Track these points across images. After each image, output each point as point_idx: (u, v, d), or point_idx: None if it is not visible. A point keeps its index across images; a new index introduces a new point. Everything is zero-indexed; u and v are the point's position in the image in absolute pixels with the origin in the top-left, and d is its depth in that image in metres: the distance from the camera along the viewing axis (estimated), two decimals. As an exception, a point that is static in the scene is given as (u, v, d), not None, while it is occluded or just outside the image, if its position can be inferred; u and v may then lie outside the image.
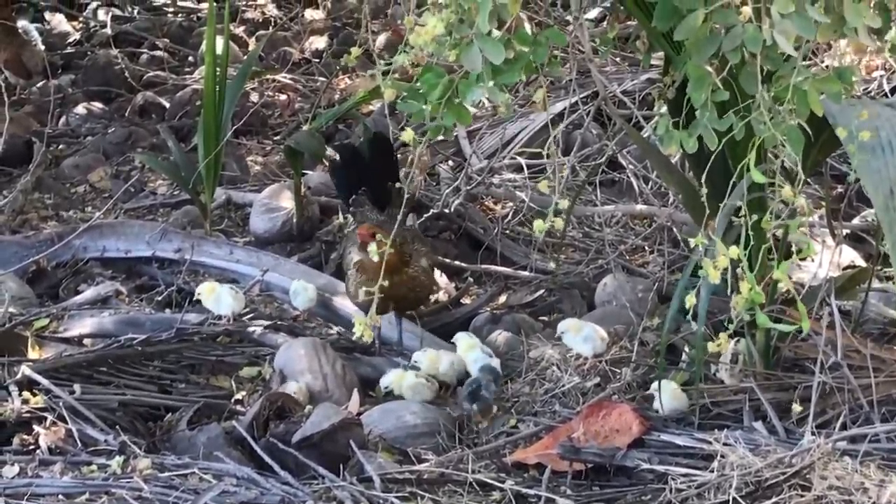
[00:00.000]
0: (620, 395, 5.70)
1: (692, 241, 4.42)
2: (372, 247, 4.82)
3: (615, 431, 5.22)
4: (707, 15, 4.36)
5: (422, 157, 7.37)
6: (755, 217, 4.49)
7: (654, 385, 5.47)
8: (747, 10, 4.25)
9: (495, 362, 5.95)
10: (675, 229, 7.30)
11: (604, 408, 5.37)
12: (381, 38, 9.98)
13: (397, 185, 6.66)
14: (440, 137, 4.68)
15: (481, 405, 5.71)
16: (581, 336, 5.98)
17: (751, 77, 4.42)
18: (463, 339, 6.13)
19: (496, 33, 4.38)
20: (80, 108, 9.69)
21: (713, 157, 4.58)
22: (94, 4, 11.77)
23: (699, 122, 4.52)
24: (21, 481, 4.87)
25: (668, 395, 5.45)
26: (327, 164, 7.57)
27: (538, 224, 4.46)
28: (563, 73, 5.21)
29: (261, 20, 11.34)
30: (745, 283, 4.32)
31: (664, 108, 5.45)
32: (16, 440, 5.22)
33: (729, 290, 4.41)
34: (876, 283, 5.90)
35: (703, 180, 4.44)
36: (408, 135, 4.49)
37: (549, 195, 4.63)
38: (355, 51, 4.82)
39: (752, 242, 4.37)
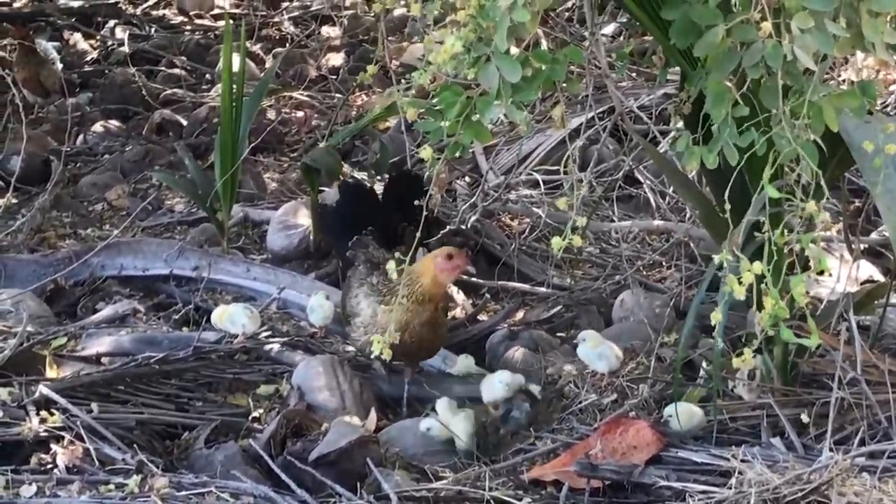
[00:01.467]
0: (637, 411, 5.68)
1: (716, 258, 4.40)
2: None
3: (633, 448, 5.21)
4: (727, 31, 4.35)
5: (440, 175, 7.37)
6: (774, 233, 4.48)
7: (669, 408, 5.44)
8: (767, 26, 4.24)
9: (534, 387, 5.92)
10: (692, 245, 7.28)
11: (621, 424, 5.36)
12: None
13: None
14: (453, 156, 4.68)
15: (511, 427, 5.70)
16: (596, 352, 5.95)
17: (771, 92, 4.41)
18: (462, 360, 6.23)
19: (514, 51, 4.38)
20: (98, 127, 9.72)
21: (734, 172, 4.57)
22: (111, 23, 11.80)
23: (720, 138, 4.51)
24: (39, 501, 4.89)
25: (686, 414, 5.43)
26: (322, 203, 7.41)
27: (556, 241, 4.45)
28: (580, 90, 5.20)
29: (278, 37, 11.37)
30: (769, 298, 4.30)
31: (681, 124, 5.45)
32: (33, 459, 5.22)
33: (753, 306, 4.39)
34: (894, 299, 5.87)
35: (725, 197, 4.42)
36: (426, 153, 4.48)
37: (566, 212, 4.61)
38: (371, 68, 4.83)
39: (774, 258, 4.36)
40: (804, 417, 5.02)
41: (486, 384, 5.86)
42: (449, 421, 5.64)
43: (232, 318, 6.26)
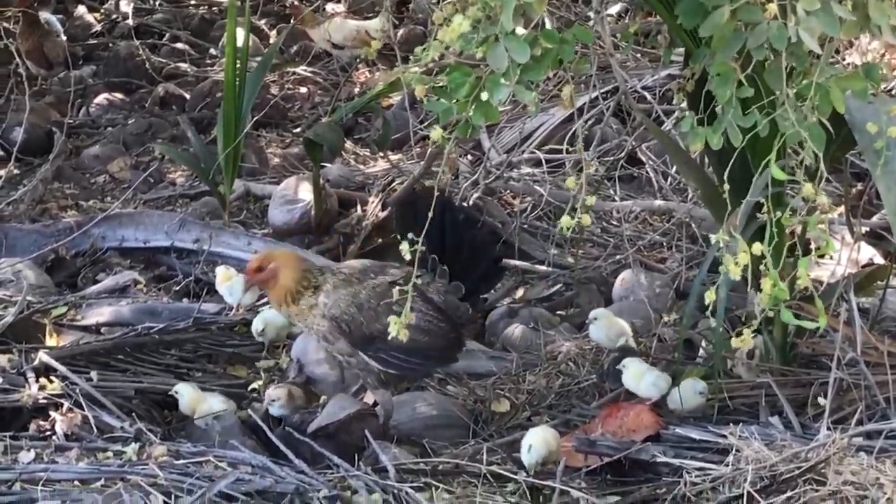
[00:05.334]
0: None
1: (713, 238, 4.40)
2: None
3: (631, 431, 5.22)
4: (733, 11, 4.35)
5: (450, 156, 7.36)
6: (776, 213, 4.48)
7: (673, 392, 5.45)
8: (773, 7, 4.23)
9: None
10: (693, 225, 7.29)
11: (622, 408, 5.37)
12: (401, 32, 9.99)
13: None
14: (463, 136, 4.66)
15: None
16: (644, 382, 5.59)
17: (776, 74, 4.40)
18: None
19: (522, 31, 4.37)
20: (101, 99, 9.70)
21: (736, 153, 4.57)
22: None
23: (724, 119, 4.51)
24: (37, 466, 4.88)
25: (687, 394, 5.44)
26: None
27: (565, 220, 4.44)
28: (587, 69, 5.18)
29: (282, 13, 11.34)
30: (768, 279, 4.31)
31: (684, 104, 5.44)
32: (32, 426, 5.25)
33: (749, 287, 4.40)
34: (894, 281, 5.87)
35: (725, 177, 4.42)
36: (436, 134, 4.47)
37: (570, 191, 4.60)
38: (375, 43, 4.82)
39: (775, 239, 4.36)
40: (818, 399, 5.02)
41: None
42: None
43: (232, 289, 6.25)
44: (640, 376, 5.51)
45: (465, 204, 5.57)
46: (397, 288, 4.70)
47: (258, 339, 6.06)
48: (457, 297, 5.55)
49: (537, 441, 5.12)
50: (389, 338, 4.65)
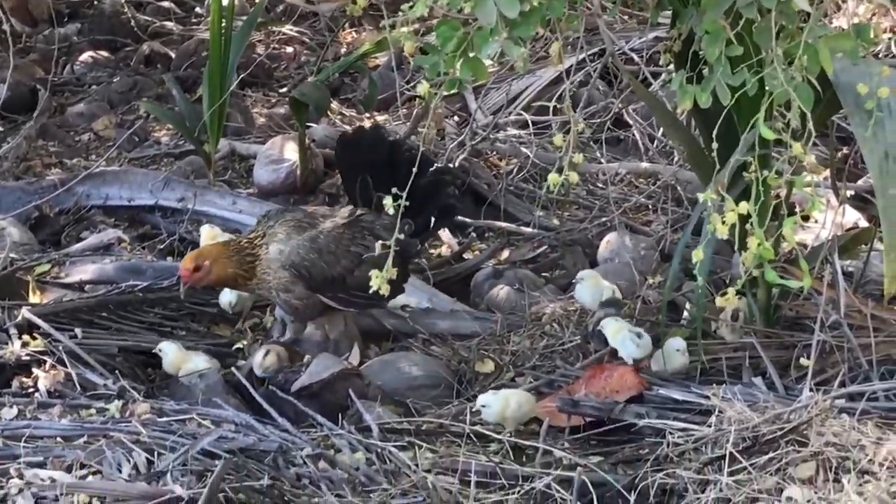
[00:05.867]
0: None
1: (700, 197, 4.39)
2: None
3: (615, 392, 5.23)
4: (723, -30, 4.33)
5: (437, 111, 7.34)
6: (762, 174, 4.48)
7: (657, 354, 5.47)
8: (763, -34, 4.22)
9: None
10: (679, 188, 7.28)
11: (606, 369, 5.38)
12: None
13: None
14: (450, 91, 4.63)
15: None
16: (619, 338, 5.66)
17: (765, 33, 4.39)
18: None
19: (510, -14, 4.34)
20: (86, 57, 9.65)
21: (723, 113, 4.56)
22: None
23: (713, 77, 4.49)
24: (19, 423, 4.88)
25: (669, 352, 5.45)
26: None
27: (552, 177, 4.43)
28: (577, 27, 5.16)
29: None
30: (754, 238, 4.30)
31: (672, 66, 5.42)
32: (15, 383, 5.25)
33: (735, 249, 4.39)
34: (878, 244, 5.87)
35: (714, 135, 4.41)
36: (424, 88, 4.45)
37: (555, 152, 4.59)
38: (361, 1, 4.79)
39: (761, 198, 4.35)
40: (801, 361, 5.03)
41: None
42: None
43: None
44: (617, 334, 5.55)
45: (414, 147, 5.58)
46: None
47: (230, 312, 6.07)
48: (406, 235, 5.55)
49: (494, 400, 5.19)
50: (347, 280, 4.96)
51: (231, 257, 5.60)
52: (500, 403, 5.19)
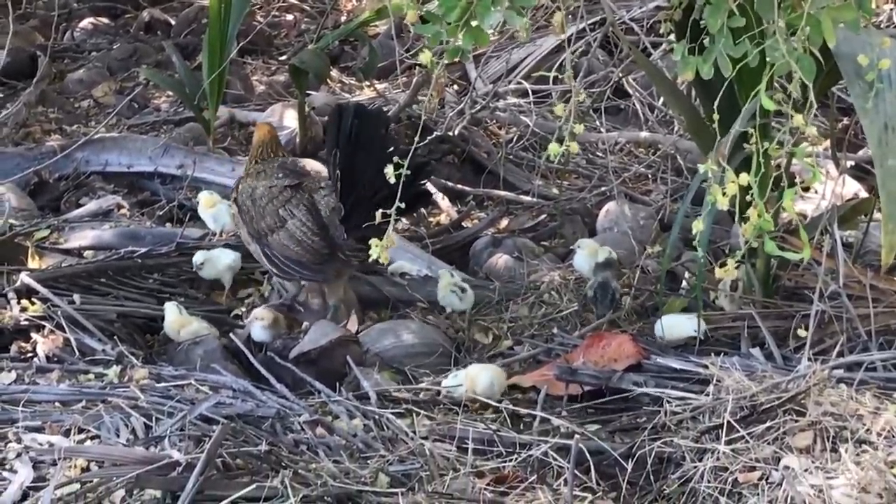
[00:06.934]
0: (621, 322, 5.69)
1: (700, 167, 4.38)
2: None
3: (613, 361, 5.23)
4: (725, -62, 4.31)
5: (439, 80, 7.31)
6: (763, 144, 4.46)
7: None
8: (766, -66, 4.20)
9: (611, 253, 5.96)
10: (678, 158, 7.28)
11: (604, 338, 5.38)
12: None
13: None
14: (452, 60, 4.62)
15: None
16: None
17: (767, 3, 4.36)
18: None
19: (513, -44, 4.32)
20: (86, 24, 9.65)
21: (724, 84, 4.54)
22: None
23: (714, 48, 4.48)
24: (18, 387, 4.89)
25: (673, 325, 5.46)
26: None
27: (553, 147, 4.40)
28: (577, -1, 5.15)
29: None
30: (754, 209, 4.29)
31: (672, 36, 5.41)
32: (13, 347, 5.25)
33: (735, 219, 4.38)
34: (878, 215, 5.87)
35: (714, 105, 4.40)
36: (425, 56, 4.43)
37: (554, 120, 4.58)
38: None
39: (762, 169, 4.34)
40: (799, 331, 5.02)
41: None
42: None
43: (216, 215, 6.24)
44: (593, 255, 5.71)
45: (389, 124, 5.59)
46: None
47: (197, 270, 6.01)
48: (337, 218, 5.55)
49: (456, 381, 5.15)
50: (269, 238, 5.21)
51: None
52: (466, 383, 5.12)
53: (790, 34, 4.34)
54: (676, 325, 5.46)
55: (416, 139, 4.48)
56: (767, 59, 4.39)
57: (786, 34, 4.33)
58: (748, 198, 4.30)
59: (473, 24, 4.38)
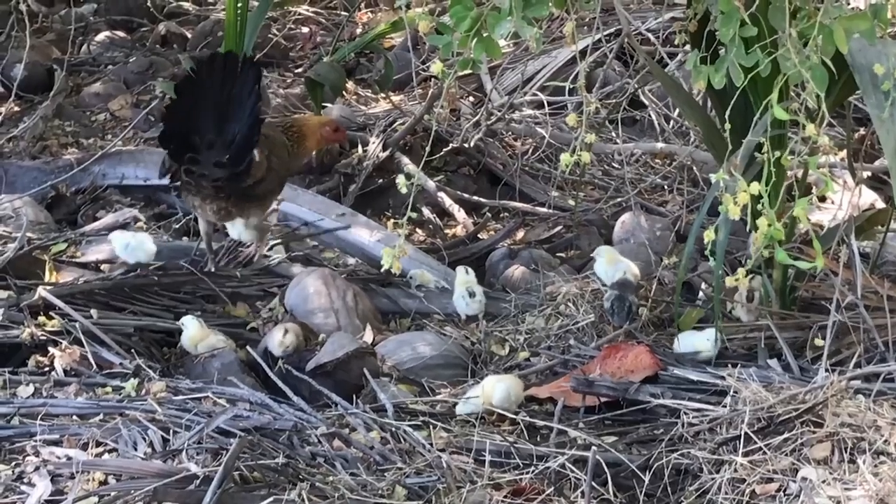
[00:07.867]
0: (637, 333, 5.68)
1: (713, 177, 4.38)
2: None
3: (630, 372, 5.23)
4: (738, -50, 4.31)
5: (450, 91, 7.34)
6: (776, 154, 4.46)
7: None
8: (778, -55, 4.20)
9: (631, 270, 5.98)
10: (695, 168, 7.28)
11: (621, 349, 5.37)
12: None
13: None
14: (465, 72, 4.63)
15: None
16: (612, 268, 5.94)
17: (779, 13, 4.37)
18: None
19: (525, -35, 4.33)
20: (102, 37, 9.66)
21: (737, 93, 4.54)
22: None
23: (727, 58, 4.48)
24: (35, 401, 4.88)
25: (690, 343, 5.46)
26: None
27: (565, 158, 4.42)
28: (592, 8, 5.16)
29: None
30: (765, 219, 4.29)
31: (688, 46, 5.41)
32: (31, 361, 5.24)
33: (748, 228, 4.38)
34: (895, 225, 5.86)
35: (727, 116, 4.40)
36: (437, 67, 4.45)
37: (570, 132, 4.58)
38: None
39: (773, 178, 4.34)
40: (817, 342, 5.02)
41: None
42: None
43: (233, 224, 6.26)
44: (612, 263, 5.74)
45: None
46: None
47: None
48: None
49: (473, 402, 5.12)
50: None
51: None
52: (481, 395, 5.10)
53: (803, 44, 4.34)
54: (694, 342, 5.45)
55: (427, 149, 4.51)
56: (781, 69, 4.40)
57: (798, 44, 4.33)
58: (760, 207, 4.30)
59: (485, 34, 4.40)
